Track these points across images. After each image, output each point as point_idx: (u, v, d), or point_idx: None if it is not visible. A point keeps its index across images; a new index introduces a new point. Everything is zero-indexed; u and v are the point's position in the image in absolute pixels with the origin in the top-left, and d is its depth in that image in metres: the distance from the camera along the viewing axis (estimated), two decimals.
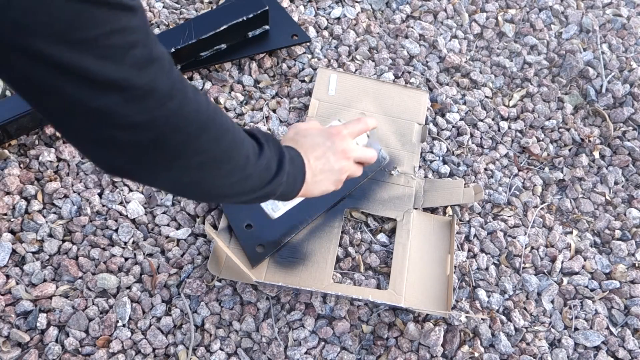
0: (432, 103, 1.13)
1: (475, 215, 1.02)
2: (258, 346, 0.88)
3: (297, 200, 0.78)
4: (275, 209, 0.80)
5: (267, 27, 1.13)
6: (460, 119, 1.11)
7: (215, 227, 0.96)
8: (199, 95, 0.49)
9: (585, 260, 0.99)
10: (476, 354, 0.89)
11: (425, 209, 1.00)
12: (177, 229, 0.96)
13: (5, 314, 0.87)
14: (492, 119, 1.13)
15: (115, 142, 0.44)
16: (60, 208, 0.96)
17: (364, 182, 1.00)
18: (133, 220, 0.96)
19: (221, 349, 0.88)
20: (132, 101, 0.42)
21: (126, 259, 0.93)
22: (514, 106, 1.15)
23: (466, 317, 0.91)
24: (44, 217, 0.95)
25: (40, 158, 0.99)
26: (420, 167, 1.05)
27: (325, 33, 1.20)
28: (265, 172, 0.59)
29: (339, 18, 1.22)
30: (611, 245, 1.01)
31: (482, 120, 1.12)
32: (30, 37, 0.36)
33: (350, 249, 0.96)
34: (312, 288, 0.88)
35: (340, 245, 0.96)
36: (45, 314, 0.88)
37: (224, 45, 1.10)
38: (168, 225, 0.96)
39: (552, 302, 0.95)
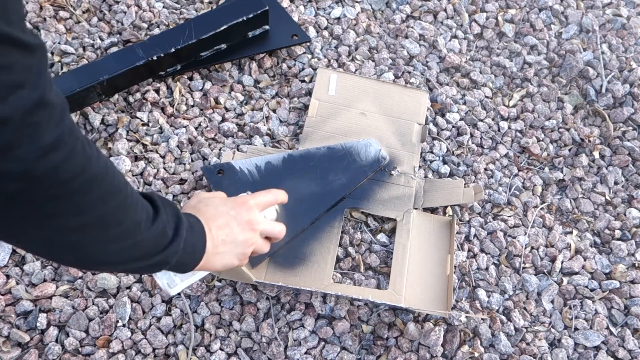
0: (432, 103, 1.13)
1: (475, 215, 1.02)
2: (258, 346, 0.88)
3: (198, 275, 0.72)
4: (171, 284, 0.71)
5: (267, 27, 1.13)
6: (460, 119, 1.11)
7: None
8: (91, 149, 0.44)
9: (585, 260, 0.99)
10: (476, 354, 0.89)
11: (425, 209, 1.00)
12: None
13: (5, 314, 0.87)
14: (492, 119, 1.13)
15: None
16: None
17: (364, 182, 1.00)
18: None
19: (221, 349, 0.88)
20: (9, 147, 0.36)
21: None
22: (514, 106, 1.15)
23: (466, 317, 0.91)
24: None
25: None
26: (420, 167, 1.05)
27: (325, 33, 1.20)
28: (160, 238, 0.54)
29: (339, 18, 1.22)
30: (611, 245, 1.01)
31: (482, 120, 1.12)
32: None
33: (350, 249, 0.96)
34: (312, 288, 0.88)
35: (340, 245, 0.96)
36: (45, 314, 0.88)
37: (224, 45, 1.10)
38: None
39: (552, 302, 0.95)
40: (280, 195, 0.76)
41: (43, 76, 0.38)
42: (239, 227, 0.67)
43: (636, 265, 0.99)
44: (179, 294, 0.91)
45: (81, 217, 0.44)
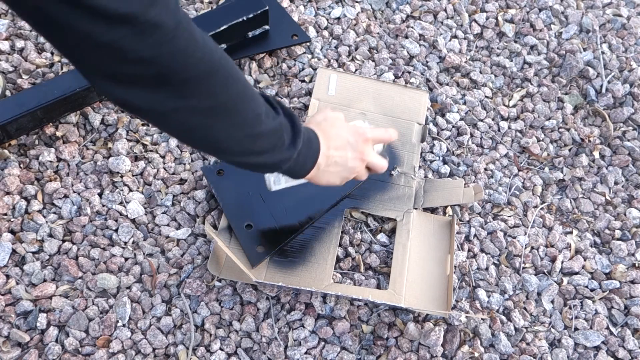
0: (432, 103, 1.13)
1: (475, 215, 1.02)
2: (258, 346, 0.88)
3: (300, 181, 0.79)
4: (277, 182, 0.79)
5: (267, 27, 1.13)
6: (460, 119, 1.11)
7: (215, 227, 0.96)
8: (208, 39, 0.50)
9: (585, 260, 0.99)
10: (476, 354, 0.89)
11: (425, 209, 1.00)
12: (177, 229, 0.96)
13: (5, 314, 0.87)
14: (492, 119, 1.13)
15: (123, 76, 0.45)
16: (60, 208, 0.96)
17: (364, 182, 1.00)
18: (133, 220, 0.96)
19: (221, 349, 0.88)
20: (140, 36, 0.43)
21: (126, 259, 0.93)
22: (514, 106, 1.15)
23: (466, 317, 0.91)
24: (44, 217, 0.95)
25: (40, 158, 0.99)
26: (420, 167, 1.05)
27: (325, 33, 1.20)
28: (277, 139, 0.59)
29: (339, 18, 1.22)
30: (611, 245, 1.01)
31: (482, 120, 1.12)
32: None
33: (350, 249, 0.96)
34: (312, 288, 0.88)
35: (340, 245, 0.96)
36: (45, 314, 0.88)
37: (224, 45, 1.10)
38: (168, 225, 0.96)
39: (552, 302, 0.95)
40: (394, 136, 0.83)
41: None
42: (352, 154, 0.73)
43: (636, 265, 0.99)
44: (179, 294, 0.91)
45: (209, 100, 0.51)
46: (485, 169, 1.07)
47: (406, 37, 1.21)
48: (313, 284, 0.90)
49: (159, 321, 0.89)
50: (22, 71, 1.07)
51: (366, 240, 0.98)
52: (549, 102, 1.15)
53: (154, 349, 0.87)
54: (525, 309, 0.94)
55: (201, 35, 0.49)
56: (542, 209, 1.04)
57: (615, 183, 1.08)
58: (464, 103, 1.14)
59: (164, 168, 1.01)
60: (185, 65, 0.47)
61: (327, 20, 1.21)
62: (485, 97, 1.15)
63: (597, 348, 0.91)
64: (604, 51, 1.21)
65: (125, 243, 0.94)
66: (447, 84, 1.16)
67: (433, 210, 1.01)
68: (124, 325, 0.88)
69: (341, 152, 0.72)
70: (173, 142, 1.03)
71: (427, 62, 1.18)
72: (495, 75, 1.18)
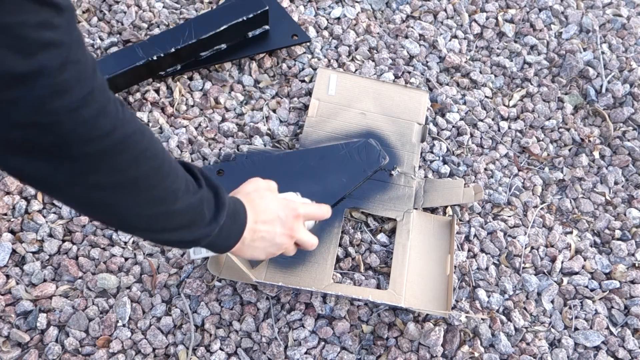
0: (432, 103, 1.13)
1: (475, 215, 1.02)
2: (258, 346, 0.88)
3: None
4: (197, 251, 0.71)
5: (267, 27, 1.13)
6: (460, 119, 1.11)
7: None
8: (124, 111, 0.45)
9: (585, 260, 0.99)
10: (476, 354, 0.89)
11: (425, 209, 1.00)
12: None
13: (5, 314, 0.87)
14: (492, 119, 1.13)
15: (15, 141, 0.40)
16: (60, 208, 0.96)
17: (364, 182, 1.00)
18: None
19: (221, 349, 0.88)
20: (40, 99, 0.38)
21: (126, 259, 0.93)
22: (514, 106, 1.15)
23: (466, 317, 0.91)
24: (44, 217, 0.95)
25: None
26: (420, 167, 1.05)
27: (325, 33, 1.20)
28: (196, 215, 0.55)
29: (339, 18, 1.22)
30: (611, 245, 1.01)
31: (482, 120, 1.12)
32: None
33: (350, 249, 0.96)
34: (312, 288, 0.88)
35: (340, 245, 0.96)
36: (45, 314, 0.88)
37: (224, 45, 1.10)
38: None
39: (552, 302, 0.95)
40: (327, 213, 0.79)
41: (72, 35, 0.40)
42: (281, 229, 0.70)
43: (636, 265, 0.99)
44: (179, 294, 0.91)
45: (113, 177, 0.45)
46: (485, 169, 1.07)
47: (406, 37, 1.21)
48: (313, 284, 0.90)
49: (159, 321, 0.89)
50: None
51: (366, 240, 0.98)
52: (549, 102, 1.15)
53: (154, 349, 0.87)
54: (525, 309, 0.94)
55: (116, 106, 0.44)
56: (542, 209, 1.04)
57: (615, 183, 1.08)
58: (464, 103, 1.14)
59: None
60: (90, 137, 0.42)
61: (327, 20, 1.21)
62: (485, 97, 1.15)
63: (597, 348, 0.91)
64: (604, 51, 1.21)
65: (125, 243, 0.94)
66: (447, 84, 1.16)
67: (433, 210, 1.01)
68: (124, 325, 0.88)
69: (269, 227, 0.68)
70: (173, 141, 1.03)
71: (427, 62, 1.18)
72: (495, 75, 1.18)
